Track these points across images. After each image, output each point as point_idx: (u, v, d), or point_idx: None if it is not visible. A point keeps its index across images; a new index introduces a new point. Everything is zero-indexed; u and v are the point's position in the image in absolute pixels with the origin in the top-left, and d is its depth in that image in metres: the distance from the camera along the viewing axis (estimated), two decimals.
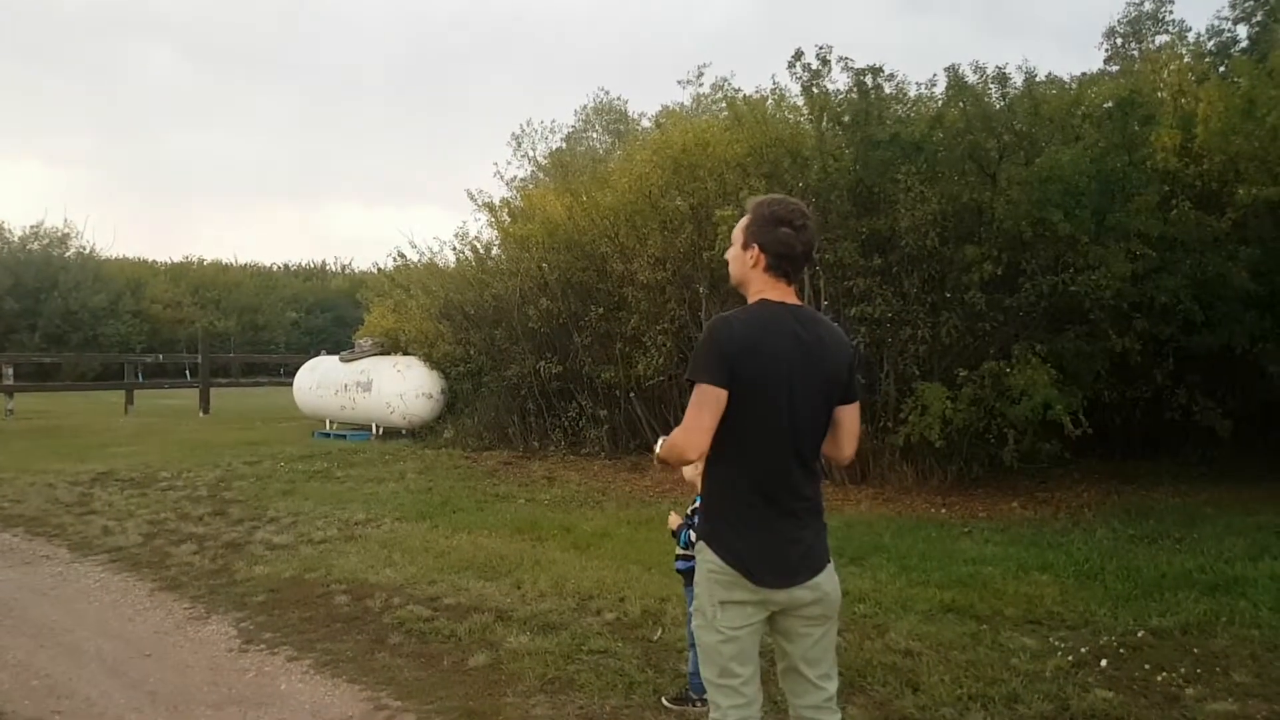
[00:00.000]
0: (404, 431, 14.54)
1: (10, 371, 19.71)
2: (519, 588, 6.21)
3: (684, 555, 4.03)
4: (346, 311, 26.93)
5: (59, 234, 32.94)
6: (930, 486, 9.08)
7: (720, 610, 2.70)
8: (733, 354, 2.63)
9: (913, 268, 9.07)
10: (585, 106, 22.20)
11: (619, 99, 22.66)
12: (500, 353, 12.89)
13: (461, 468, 11.64)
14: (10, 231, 32.27)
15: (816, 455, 2.81)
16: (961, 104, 9.02)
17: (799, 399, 2.69)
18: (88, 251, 33.27)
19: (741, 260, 2.79)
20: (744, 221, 2.82)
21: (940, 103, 9.57)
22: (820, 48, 9.30)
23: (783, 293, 2.76)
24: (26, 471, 11.46)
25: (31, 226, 32.52)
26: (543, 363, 12.24)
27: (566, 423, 12.45)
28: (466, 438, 13.30)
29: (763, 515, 2.71)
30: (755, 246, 2.75)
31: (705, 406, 2.65)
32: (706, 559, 2.75)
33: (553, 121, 19.58)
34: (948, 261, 8.97)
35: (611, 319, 11.61)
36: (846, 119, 9.36)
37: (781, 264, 2.74)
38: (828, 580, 2.76)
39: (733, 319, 2.75)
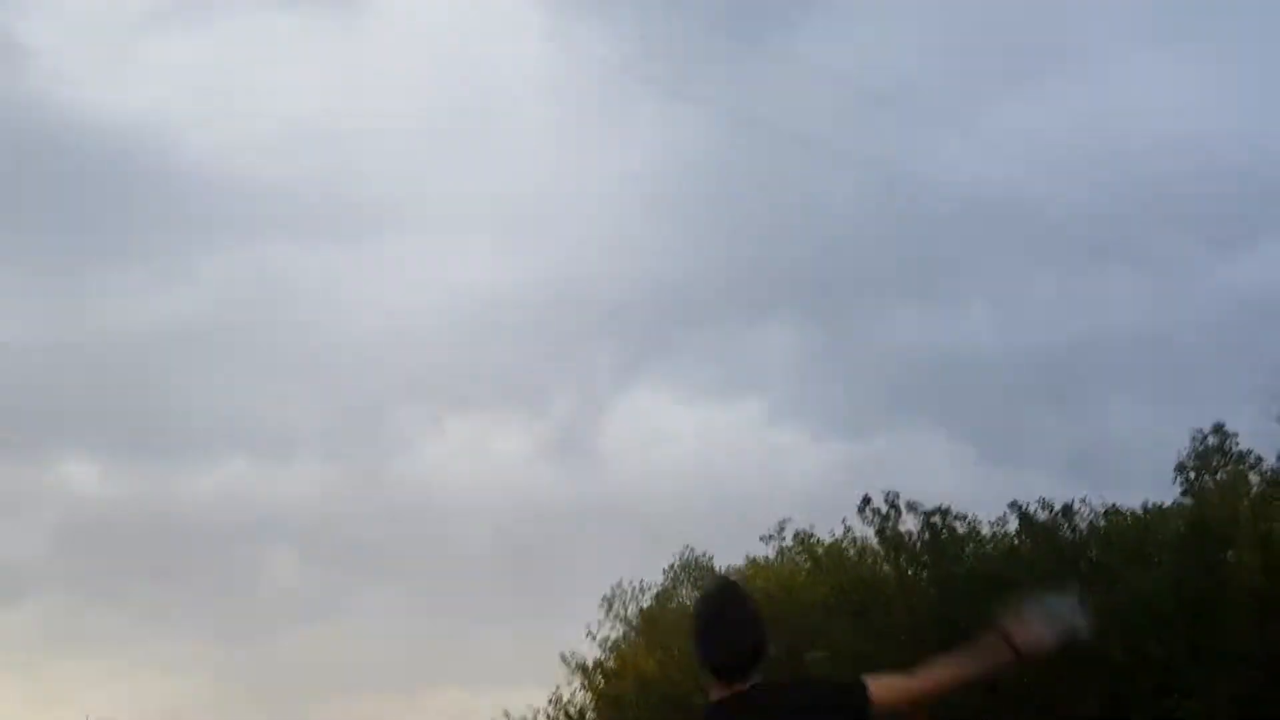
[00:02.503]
0: None
1: None
2: None
3: None
4: None
5: None
6: None
7: None
8: None
9: (1004, 706, 8.81)
10: (673, 564, 22.79)
11: (704, 555, 23.20)
12: None
13: None
14: None
15: None
16: (1033, 538, 9.33)
17: None
18: None
19: None
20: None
21: (1013, 539, 9.88)
22: (888, 494, 9.89)
23: (731, 689, 2.36)
24: None
25: None
26: None
27: None
28: None
29: None
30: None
31: None
32: None
33: (642, 581, 20.10)
34: (1049, 692, 8.73)
35: None
36: (925, 559, 9.67)
37: (715, 672, 2.39)
38: None
39: None
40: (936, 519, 9.70)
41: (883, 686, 2.42)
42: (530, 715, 14.39)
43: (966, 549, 9.72)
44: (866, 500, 10.00)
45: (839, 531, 10.76)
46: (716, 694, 2.45)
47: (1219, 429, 18.31)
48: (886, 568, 10.28)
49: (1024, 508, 9.53)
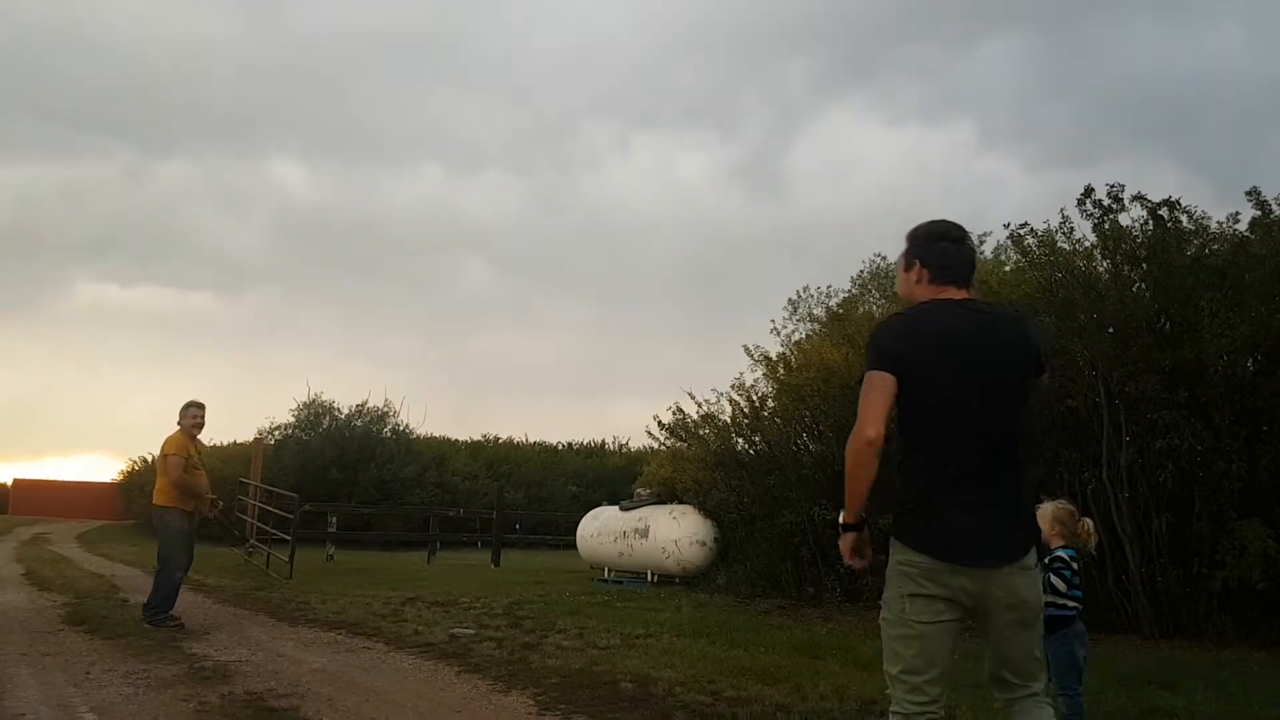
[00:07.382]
0: (678, 579, 14.79)
1: (334, 520, 21.85)
2: (799, 690, 6.18)
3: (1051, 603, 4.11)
4: (622, 487, 27.84)
5: (378, 413, 36.18)
6: (1253, 640, 8.13)
7: (908, 603, 2.76)
8: (892, 346, 2.82)
9: (1224, 400, 8.49)
10: (861, 273, 22.36)
11: (896, 264, 22.39)
12: (774, 500, 12.96)
13: (733, 608, 11.68)
14: (339, 411, 35.63)
15: (1011, 438, 2.81)
16: (1266, 231, 8.60)
17: (979, 379, 2.76)
18: (403, 429, 36.23)
19: (905, 281, 2.99)
20: (904, 248, 3.02)
21: (1244, 234, 9.13)
22: (1112, 186, 9.13)
23: (948, 294, 2.88)
24: (345, 595, 12.61)
25: (357, 405, 35.81)
26: (817, 509, 12.18)
27: (842, 570, 12.22)
28: (739, 584, 13.34)
29: (947, 502, 2.79)
30: (916, 264, 2.94)
31: (871, 392, 2.84)
32: (895, 554, 2.87)
33: (829, 287, 19.74)
34: (1264, 393, 8.34)
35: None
36: (1144, 253, 9.05)
37: (945, 274, 2.89)
38: (1022, 581, 2.72)
39: (891, 319, 2.95)
40: (1163, 211, 9.00)
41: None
42: (714, 399, 14.82)
43: (1189, 242, 9.06)
44: (1088, 191, 9.29)
45: (1050, 221, 10.10)
46: (926, 295, 2.99)
47: None
48: (1103, 263, 9.66)
49: (1261, 196, 8.71)
